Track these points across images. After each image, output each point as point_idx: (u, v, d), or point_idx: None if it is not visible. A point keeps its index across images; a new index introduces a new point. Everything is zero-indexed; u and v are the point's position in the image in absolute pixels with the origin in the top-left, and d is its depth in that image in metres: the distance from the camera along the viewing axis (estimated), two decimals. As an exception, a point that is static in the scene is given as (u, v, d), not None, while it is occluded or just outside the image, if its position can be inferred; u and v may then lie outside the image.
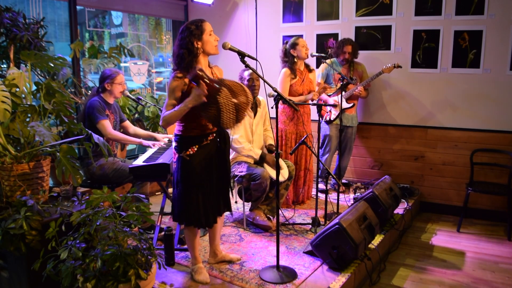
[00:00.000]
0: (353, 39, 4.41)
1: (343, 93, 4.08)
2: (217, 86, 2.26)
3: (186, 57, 2.36)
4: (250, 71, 3.35)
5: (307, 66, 3.92)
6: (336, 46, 4.19)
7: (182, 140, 2.47)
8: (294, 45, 3.74)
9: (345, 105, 4.06)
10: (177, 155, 2.50)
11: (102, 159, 3.24)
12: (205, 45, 2.40)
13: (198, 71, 2.24)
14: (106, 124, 3.18)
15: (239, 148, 3.31)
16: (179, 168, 2.48)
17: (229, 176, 2.66)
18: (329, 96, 4.15)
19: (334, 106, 3.97)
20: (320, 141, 4.09)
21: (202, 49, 2.40)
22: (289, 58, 3.77)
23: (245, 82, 3.37)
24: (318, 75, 4.22)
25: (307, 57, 3.78)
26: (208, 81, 2.25)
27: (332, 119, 4.19)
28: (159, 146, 3.37)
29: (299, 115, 3.82)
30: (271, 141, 3.57)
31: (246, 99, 2.32)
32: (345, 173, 4.61)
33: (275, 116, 2.61)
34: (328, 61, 4.15)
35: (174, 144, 2.52)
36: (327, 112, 4.22)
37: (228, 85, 2.30)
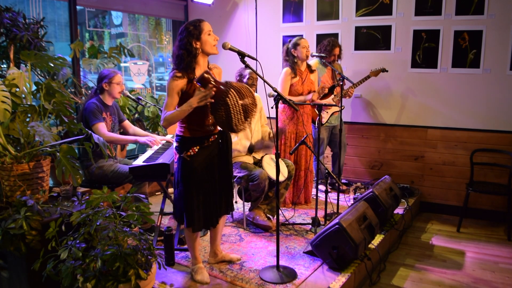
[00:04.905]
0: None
1: (333, 95, 4.10)
2: (224, 88, 2.27)
3: (185, 57, 2.36)
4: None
5: (308, 66, 3.91)
6: (328, 49, 4.16)
7: (183, 140, 2.46)
8: (295, 45, 3.74)
9: (339, 105, 4.06)
10: (177, 155, 2.50)
11: (101, 159, 3.23)
12: (204, 45, 2.40)
13: (204, 74, 2.26)
14: (101, 127, 3.14)
15: None
16: (179, 168, 2.48)
17: (231, 177, 2.66)
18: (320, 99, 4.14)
19: (334, 105, 3.96)
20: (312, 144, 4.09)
21: (201, 49, 2.40)
22: (290, 57, 3.78)
23: (245, 80, 3.37)
24: None
25: (307, 58, 3.79)
26: (214, 83, 2.26)
27: (324, 122, 4.19)
28: (158, 146, 3.36)
29: (298, 114, 3.82)
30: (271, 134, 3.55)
31: (253, 100, 2.34)
32: (344, 172, 4.60)
33: (275, 116, 2.61)
34: (317, 61, 4.16)
35: (175, 144, 2.52)
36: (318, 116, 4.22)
37: (235, 87, 2.31)
